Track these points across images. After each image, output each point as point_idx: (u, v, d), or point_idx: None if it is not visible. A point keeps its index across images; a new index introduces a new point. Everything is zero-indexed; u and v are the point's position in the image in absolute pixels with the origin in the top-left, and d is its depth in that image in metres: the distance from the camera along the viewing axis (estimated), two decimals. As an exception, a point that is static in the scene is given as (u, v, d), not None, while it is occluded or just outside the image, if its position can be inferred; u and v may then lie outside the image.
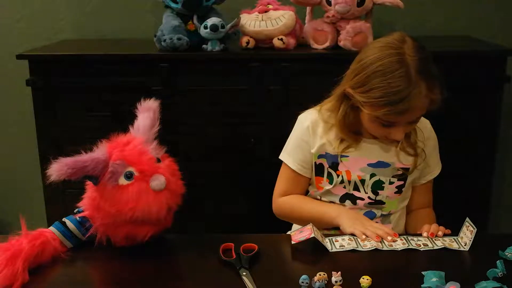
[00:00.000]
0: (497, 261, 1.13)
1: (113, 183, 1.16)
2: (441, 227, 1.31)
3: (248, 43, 1.89)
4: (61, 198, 1.97)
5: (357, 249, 1.24)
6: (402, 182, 1.44)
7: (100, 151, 1.17)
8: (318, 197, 1.49)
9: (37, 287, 1.11)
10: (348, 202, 1.45)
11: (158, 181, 1.16)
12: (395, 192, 1.44)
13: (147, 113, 1.28)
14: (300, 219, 1.47)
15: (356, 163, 1.42)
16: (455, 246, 1.26)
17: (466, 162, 1.95)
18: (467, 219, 1.29)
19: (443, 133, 1.92)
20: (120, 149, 1.19)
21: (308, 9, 1.99)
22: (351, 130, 1.40)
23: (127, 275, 1.17)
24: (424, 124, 1.46)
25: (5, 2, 2.22)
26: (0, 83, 2.30)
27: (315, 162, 1.46)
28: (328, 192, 1.46)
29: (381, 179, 1.42)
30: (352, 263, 1.20)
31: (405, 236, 1.30)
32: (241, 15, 1.91)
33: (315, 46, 1.91)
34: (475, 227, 1.25)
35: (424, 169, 1.48)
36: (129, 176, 1.16)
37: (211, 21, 1.82)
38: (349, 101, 1.35)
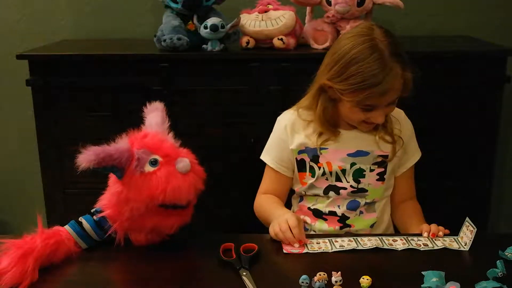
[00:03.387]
0: (497, 261, 1.13)
1: (140, 171, 1.17)
2: (441, 227, 1.31)
3: (248, 43, 1.89)
4: (61, 198, 1.97)
5: (357, 248, 1.24)
6: (383, 169, 1.47)
7: (123, 142, 1.19)
8: (303, 193, 1.52)
9: (48, 287, 1.11)
10: (332, 193, 1.47)
11: (184, 163, 1.18)
12: (378, 180, 1.47)
13: (155, 112, 1.31)
14: (260, 217, 1.51)
15: (336, 154, 1.46)
16: (455, 246, 1.26)
17: (466, 162, 1.95)
18: (467, 218, 1.29)
19: (443, 133, 1.93)
20: (140, 140, 1.21)
21: (308, 9, 1.99)
22: (330, 124, 1.45)
23: (127, 275, 1.18)
24: (399, 114, 1.52)
25: (5, 2, 2.22)
26: (0, 83, 2.30)
27: (296, 158, 1.50)
28: (311, 186, 1.49)
29: (361, 167, 1.46)
30: (352, 263, 1.20)
31: (405, 236, 1.30)
32: (241, 15, 1.91)
33: (315, 46, 1.91)
34: (475, 227, 1.26)
35: (403, 156, 1.51)
36: (153, 162, 1.18)
37: (211, 21, 1.82)
38: (326, 94, 1.41)
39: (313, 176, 1.48)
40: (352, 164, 1.46)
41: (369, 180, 1.46)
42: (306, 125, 1.48)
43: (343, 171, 1.46)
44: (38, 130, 1.93)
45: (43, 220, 1.78)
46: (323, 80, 1.39)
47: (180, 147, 1.27)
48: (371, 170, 1.46)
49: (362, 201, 1.47)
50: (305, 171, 1.49)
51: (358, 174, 1.46)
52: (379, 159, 1.46)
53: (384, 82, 1.30)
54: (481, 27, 2.19)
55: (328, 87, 1.38)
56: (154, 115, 1.30)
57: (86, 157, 1.11)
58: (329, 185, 1.47)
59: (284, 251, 1.24)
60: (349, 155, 1.45)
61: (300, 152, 1.49)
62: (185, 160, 1.19)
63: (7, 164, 2.40)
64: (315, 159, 1.47)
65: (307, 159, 1.48)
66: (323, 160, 1.46)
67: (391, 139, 1.46)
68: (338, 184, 1.47)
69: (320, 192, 1.48)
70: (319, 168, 1.47)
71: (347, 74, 1.33)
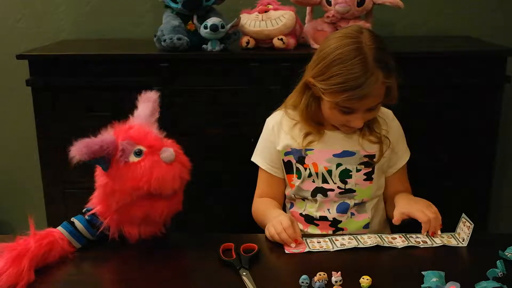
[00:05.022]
0: (497, 261, 1.13)
1: (124, 161, 1.17)
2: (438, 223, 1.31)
3: (248, 43, 1.89)
4: (61, 198, 1.97)
5: (358, 246, 1.24)
6: (370, 169, 1.47)
7: (108, 134, 1.19)
8: (293, 196, 1.52)
9: (44, 287, 1.11)
10: (319, 196, 1.47)
11: (168, 153, 1.19)
12: (365, 180, 1.47)
13: (147, 103, 1.31)
14: (258, 221, 1.51)
15: (322, 154, 1.46)
16: (453, 242, 1.27)
17: (466, 162, 1.95)
18: (463, 214, 1.30)
19: (443, 133, 1.93)
20: (124, 132, 1.22)
21: (308, 9, 1.99)
22: (314, 121, 1.45)
23: (127, 275, 1.18)
24: (386, 114, 1.51)
25: (5, 2, 2.22)
26: (0, 83, 2.30)
27: (283, 160, 1.50)
28: (299, 188, 1.49)
29: (347, 167, 1.45)
30: (352, 263, 1.20)
31: (403, 234, 1.31)
32: (241, 15, 1.91)
33: (315, 46, 1.90)
34: (472, 223, 1.26)
35: (392, 157, 1.51)
36: (138, 153, 1.19)
37: (211, 21, 1.82)
38: (310, 91, 1.41)
39: (299, 177, 1.48)
40: (338, 165, 1.45)
41: (356, 180, 1.46)
42: (292, 125, 1.48)
43: (329, 172, 1.45)
44: (38, 130, 1.93)
45: (43, 220, 1.77)
46: (308, 77, 1.39)
47: (180, 146, 1.27)
48: (358, 170, 1.46)
49: (351, 202, 1.47)
50: (293, 173, 1.50)
51: (345, 175, 1.46)
52: (366, 159, 1.46)
53: (364, 86, 1.29)
54: (481, 27, 2.19)
55: (312, 85, 1.38)
56: (145, 106, 1.30)
57: (79, 150, 1.12)
58: (316, 187, 1.47)
59: (286, 251, 1.24)
60: (335, 155, 1.45)
61: (286, 153, 1.49)
62: (169, 150, 1.19)
63: (7, 164, 2.40)
64: (301, 160, 1.47)
65: (293, 161, 1.48)
66: (309, 161, 1.46)
67: (376, 139, 1.46)
68: (325, 185, 1.46)
69: (308, 195, 1.48)
70: (305, 169, 1.47)
71: (329, 74, 1.33)
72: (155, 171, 1.16)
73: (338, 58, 1.32)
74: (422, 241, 1.28)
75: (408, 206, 1.35)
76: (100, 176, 1.23)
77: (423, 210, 1.32)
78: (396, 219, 1.33)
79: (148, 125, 1.26)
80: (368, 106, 1.35)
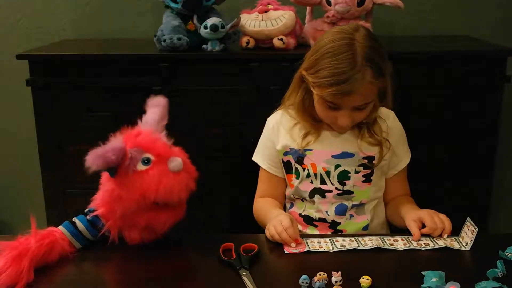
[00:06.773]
0: (497, 261, 1.13)
1: (132, 170, 1.17)
2: (447, 227, 1.30)
3: (248, 43, 1.89)
4: (61, 198, 1.97)
5: (358, 248, 1.24)
6: (369, 171, 1.46)
7: (117, 140, 1.18)
8: (292, 196, 1.52)
9: (43, 287, 1.11)
10: (317, 197, 1.47)
11: (176, 162, 1.18)
12: (363, 181, 1.46)
13: (156, 108, 1.30)
14: (259, 221, 1.51)
15: (321, 155, 1.45)
16: (456, 245, 1.26)
17: (466, 162, 1.95)
18: (468, 218, 1.29)
19: (443, 133, 1.93)
20: (133, 139, 1.21)
21: (308, 9, 1.99)
22: (310, 116, 1.45)
23: (127, 275, 1.18)
24: (387, 115, 1.50)
25: (5, 2, 2.22)
26: (0, 83, 2.30)
27: (282, 160, 1.50)
28: (297, 189, 1.49)
29: (346, 169, 1.45)
30: (352, 263, 1.20)
31: (406, 236, 1.30)
32: (241, 15, 1.91)
33: (315, 46, 1.91)
34: (476, 227, 1.26)
35: (392, 159, 1.50)
36: (146, 161, 1.18)
37: (211, 21, 1.82)
38: (304, 84, 1.41)
39: (297, 177, 1.48)
40: (337, 166, 1.45)
41: (354, 182, 1.45)
42: (292, 125, 1.48)
43: (328, 173, 1.45)
44: (38, 130, 1.93)
45: (43, 220, 1.77)
46: (301, 69, 1.40)
47: (175, 146, 1.26)
48: (356, 172, 1.45)
49: (349, 204, 1.46)
50: (292, 173, 1.50)
51: (343, 176, 1.45)
52: (365, 161, 1.45)
53: (349, 82, 1.29)
54: (481, 27, 2.19)
55: (305, 77, 1.39)
56: (154, 111, 1.29)
57: (92, 160, 1.10)
58: (314, 188, 1.47)
59: (286, 251, 1.24)
60: (334, 156, 1.45)
61: (285, 153, 1.49)
62: (177, 160, 1.19)
63: (7, 164, 2.40)
64: (300, 160, 1.47)
65: (292, 161, 1.48)
66: (308, 161, 1.46)
67: (376, 141, 1.45)
68: (323, 187, 1.46)
69: (306, 195, 1.48)
70: (304, 169, 1.47)
71: (318, 66, 1.33)
72: (162, 181, 1.16)
73: (328, 52, 1.32)
74: (424, 243, 1.27)
75: (419, 212, 1.34)
76: (106, 181, 1.22)
77: (433, 216, 1.31)
78: (415, 234, 1.28)
79: (157, 131, 1.26)
80: (353, 104, 1.34)
